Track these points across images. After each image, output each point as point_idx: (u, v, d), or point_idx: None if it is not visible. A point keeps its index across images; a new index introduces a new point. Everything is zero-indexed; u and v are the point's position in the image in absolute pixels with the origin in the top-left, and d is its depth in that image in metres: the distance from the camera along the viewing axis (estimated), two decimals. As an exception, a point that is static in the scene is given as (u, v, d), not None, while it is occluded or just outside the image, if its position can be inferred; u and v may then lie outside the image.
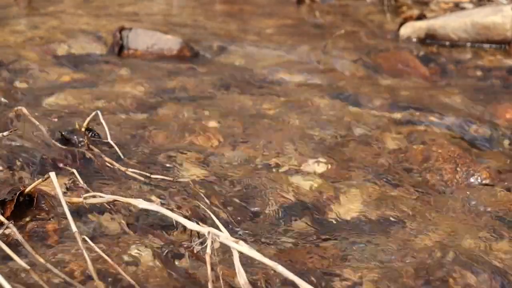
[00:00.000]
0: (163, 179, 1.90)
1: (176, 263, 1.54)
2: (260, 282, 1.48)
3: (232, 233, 1.67)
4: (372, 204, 1.91)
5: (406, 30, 3.90)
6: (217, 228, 1.36)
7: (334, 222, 1.82)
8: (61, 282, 1.38)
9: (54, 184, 1.48)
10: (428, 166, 2.13)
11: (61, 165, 1.97)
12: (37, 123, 2.09)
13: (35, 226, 1.61)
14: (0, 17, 4.04)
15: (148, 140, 2.25)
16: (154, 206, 1.45)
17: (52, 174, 1.51)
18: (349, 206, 1.90)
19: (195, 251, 1.56)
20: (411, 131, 2.38)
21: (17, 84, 2.81)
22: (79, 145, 2.10)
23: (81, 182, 1.80)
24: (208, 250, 1.28)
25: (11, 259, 1.38)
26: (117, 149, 2.06)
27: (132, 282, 1.38)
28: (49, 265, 1.38)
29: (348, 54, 3.55)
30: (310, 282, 1.43)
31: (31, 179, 1.84)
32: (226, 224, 1.71)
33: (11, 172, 1.91)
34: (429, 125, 2.46)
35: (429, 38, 3.81)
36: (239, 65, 3.29)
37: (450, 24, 3.76)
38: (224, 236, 1.30)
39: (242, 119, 2.48)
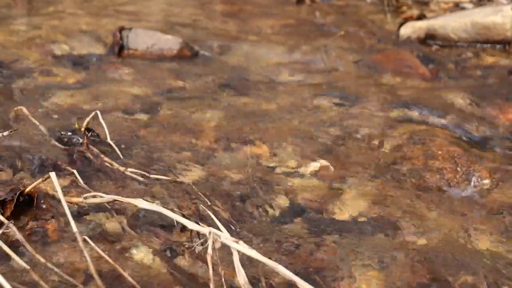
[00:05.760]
0: (163, 179, 1.90)
1: (177, 263, 1.54)
2: (260, 282, 1.48)
3: (232, 233, 1.68)
4: (372, 204, 1.91)
5: (406, 30, 3.89)
6: (217, 228, 1.37)
7: (334, 222, 1.82)
8: (61, 282, 1.38)
9: (54, 184, 1.48)
10: (428, 166, 2.13)
11: (61, 165, 1.97)
12: (37, 123, 2.10)
13: (35, 226, 1.61)
14: (0, 17, 4.04)
15: (148, 140, 2.25)
16: (154, 206, 1.45)
17: (52, 174, 1.51)
18: (349, 206, 1.90)
19: (195, 251, 1.56)
20: (411, 131, 2.38)
21: (17, 84, 2.81)
22: (79, 145, 2.10)
23: (81, 182, 1.81)
24: (209, 250, 1.28)
25: (11, 259, 1.38)
26: (116, 149, 2.06)
27: (133, 282, 1.38)
28: (49, 265, 1.38)
29: (348, 54, 3.55)
30: (310, 282, 1.43)
31: (31, 179, 1.84)
32: (226, 224, 1.71)
33: (11, 172, 1.91)
34: (429, 125, 2.46)
35: (429, 38, 3.81)
36: (239, 65, 3.28)
37: (450, 24, 3.76)
38: (224, 236, 1.30)
39: (242, 119, 2.48)
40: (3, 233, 1.48)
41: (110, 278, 1.42)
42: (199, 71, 3.12)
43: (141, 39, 3.36)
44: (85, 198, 1.59)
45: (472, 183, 2.05)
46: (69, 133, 2.15)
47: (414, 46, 3.73)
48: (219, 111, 2.55)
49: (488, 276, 1.55)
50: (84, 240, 1.39)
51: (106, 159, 1.99)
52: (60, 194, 1.46)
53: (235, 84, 2.93)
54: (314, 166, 2.12)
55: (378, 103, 2.72)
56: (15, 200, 1.63)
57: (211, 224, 1.45)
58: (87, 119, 2.14)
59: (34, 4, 4.56)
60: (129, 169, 1.92)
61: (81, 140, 2.11)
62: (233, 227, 1.73)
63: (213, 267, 1.28)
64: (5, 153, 2.01)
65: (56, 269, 1.38)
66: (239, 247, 1.27)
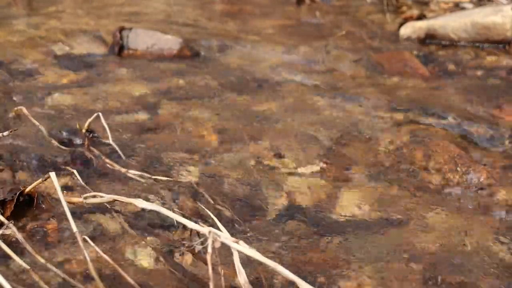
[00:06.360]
0: (163, 179, 1.90)
1: (176, 263, 1.54)
2: (260, 282, 1.48)
3: (232, 233, 1.68)
4: (372, 204, 1.91)
5: (406, 30, 3.89)
6: (217, 228, 1.37)
7: (334, 222, 1.82)
8: (61, 282, 1.38)
9: (54, 184, 1.48)
10: (428, 166, 2.13)
11: (61, 165, 1.97)
12: (37, 123, 2.10)
13: (35, 226, 1.61)
14: (0, 17, 4.04)
15: (148, 140, 2.25)
16: (154, 206, 1.45)
17: (52, 174, 1.51)
18: (349, 206, 1.90)
19: (195, 251, 1.56)
20: (411, 131, 2.38)
21: (18, 84, 2.81)
22: (80, 145, 2.10)
23: (81, 182, 1.81)
24: (209, 250, 1.28)
25: (11, 259, 1.38)
26: (117, 149, 2.06)
27: (132, 282, 1.38)
28: (49, 265, 1.38)
29: (348, 54, 3.55)
30: (310, 282, 1.43)
31: (31, 179, 1.84)
32: (226, 224, 1.71)
33: (11, 172, 1.91)
34: (429, 125, 2.46)
35: (429, 38, 3.81)
36: (239, 65, 3.28)
37: (450, 24, 3.75)
38: (225, 236, 1.30)
39: (242, 119, 2.48)
40: (3, 233, 1.48)
41: (109, 278, 1.42)
42: (199, 71, 3.12)
43: (141, 39, 3.36)
44: (85, 198, 1.59)
45: (472, 183, 2.05)
46: (69, 134, 2.15)
47: (414, 46, 3.73)
48: (219, 111, 2.55)
49: (488, 277, 1.55)
50: (84, 240, 1.39)
51: (107, 160, 1.99)
52: (60, 194, 1.46)
53: (235, 84, 2.93)
54: (314, 166, 2.12)
55: (378, 103, 2.72)
56: (15, 200, 1.63)
57: (212, 224, 1.45)
58: (89, 120, 2.14)
59: (34, 4, 4.56)
60: (130, 171, 1.92)
61: (82, 141, 2.11)
62: (233, 227, 1.73)
63: (213, 267, 1.28)
64: (5, 153, 2.01)
65: (56, 269, 1.38)
66: (239, 247, 1.27)
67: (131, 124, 2.39)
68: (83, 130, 2.14)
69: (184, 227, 1.55)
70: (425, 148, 2.23)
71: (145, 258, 1.53)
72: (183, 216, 1.51)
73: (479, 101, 2.80)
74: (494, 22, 3.63)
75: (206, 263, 1.29)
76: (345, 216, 1.85)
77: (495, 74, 3.25)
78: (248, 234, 1.71)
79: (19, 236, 1.40)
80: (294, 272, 1.22)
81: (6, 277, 1.24)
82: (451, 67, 3.39)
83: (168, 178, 1.91)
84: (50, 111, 2.49)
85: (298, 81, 3.06)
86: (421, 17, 4.20)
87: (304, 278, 1.25)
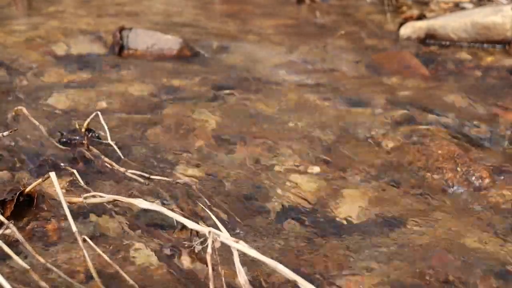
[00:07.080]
0: (163, 179, 1.90)
1: (176, 263, 1.54)
2: (260, 281, 1.48)
3: (232, 233, 1.68)
4: (372, 204, 1.91)
5: (406, 30, 3.89)
6: (217, 228, 1.37)
7: (334, 222, 1.82)
8: (61, 282, 1.38)
9: (54, 184, 1.48)
10: (428, 166, 2.13)
11: (61, 165, 1.97)
12: (37, 123, 2.10)
13: (35, 226, 1.62)
14: (0, 17, 4.04)
15: (148, 140, 2.25)
16: (154, 206, 1.45)
17: (52, 174, 1.51)
18: (349, 206, 1.90)
19: (195, 251, 1.56)
20: (411, 131, 2.38)
21: (17, 84, 2.81)
22: (79, 145, 2.10)
23: (81, 182, 1.81)
24: (209, 250, 1.28)
25: (11, 259, 1.38)
26: (117, 149, 2.06)
27: (132, 282, 1.38)
28: (49, 265, 1.38)
29: (348, 54, 3.55)
30: (310, 281, 1.43)
31: (31, 179, 1.84)
32: (226, 224, 1.71)
33: (11, 172, 1.91)
34: (429, 125, 2.46)
35: (429, 38, 3.81)
36: (239, 65, 3.29)
37: (450, 24, 3.76)
38: (224, 235, 1.30)
39: (242, 119, 2.48)
40: (3, 233, 1.48)
41: (109, 278, 1.42)
42: (199, 71, 3.12)
43: (141, 39, 3.36)
44: (85, 198, 1.59)
45: (472, 183, 2.05)
46: (69, 133, 2.15)
47: (414, 46, 3.73)
48: (219, 111, 2.55)
49: (487, 276, 1.55)
50: (84, 240, 1.39)
51: (106, 159, 1.99)
52: (60, 194, 1.46)
53: (235, 84, 2.93)
54: (314, 166, 2.12)
55: (378, 103, 2.72)
56: (15, 200, 1.63)
57: (211, 224, 1.45)
58: (88, 119, 2.14)
59: (34, 4, 4.56)
60: (130, 170, 1.92)
61: (81, 140, 2.11)
62: (233, 227, 1.73)
63: (212, 267, 1.28)
64: (5, 153, 2.01)
65: (56, 269, 1.38)
66: (239, 246, 1.27)
67: (131, 123, 2.39)
68: (83, 130, 2.14)
69: (184, 227, 1.55)
70: (425, 148, 2.23)
71: (145, 258, 1.53)
72: (183, 216, 1.51)
73: (479, 101, 2.80)
74: (494, 22, 3.63)
75: (206, 263, 1.29)
76: (345, 216, 1.85)
77: (495, 74, 3.25)
78: (248, 234, 1.71)
79: (19, 236, 1.40)
80: (294, 272, 1.22)
81: (6, 277, 1.24)
82: (451, 67, 3.39)
83: (167, 178, 1.91)
84: (50, 111, 2.49)
85: (298, 81, 3.06)
86: (421, 17, 4.20)
87: (304, 278, 1.25)
